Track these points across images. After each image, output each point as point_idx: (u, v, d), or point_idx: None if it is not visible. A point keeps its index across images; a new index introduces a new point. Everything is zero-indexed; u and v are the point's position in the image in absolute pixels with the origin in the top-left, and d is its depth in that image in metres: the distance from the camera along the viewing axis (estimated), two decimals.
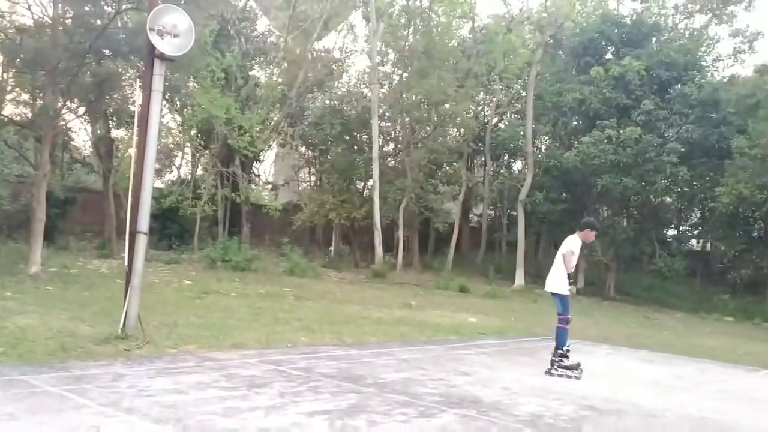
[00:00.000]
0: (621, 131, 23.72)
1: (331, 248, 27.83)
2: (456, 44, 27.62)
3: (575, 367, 7.52)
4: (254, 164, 27.76)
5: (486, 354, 9.02)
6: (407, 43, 26.37)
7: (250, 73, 25.30)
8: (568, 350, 7.60)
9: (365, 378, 6.43)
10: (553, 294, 7.69)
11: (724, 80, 27.11)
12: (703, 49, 28.96)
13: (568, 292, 7.63)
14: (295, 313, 11.33)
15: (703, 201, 28.56)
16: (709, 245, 32.02)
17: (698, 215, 31.98)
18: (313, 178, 31.51)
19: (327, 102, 28.47)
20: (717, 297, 26.26)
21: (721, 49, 42.73)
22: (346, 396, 5.58)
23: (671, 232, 32.49)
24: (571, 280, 7.64)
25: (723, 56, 30.89)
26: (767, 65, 25.27)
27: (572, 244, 7.71)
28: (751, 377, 9.48)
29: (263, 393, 5.39)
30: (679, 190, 27.47)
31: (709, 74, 28.03)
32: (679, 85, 25.85)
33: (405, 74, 27.21)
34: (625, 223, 28.81)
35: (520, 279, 24.57)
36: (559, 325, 7.57)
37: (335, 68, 28.04)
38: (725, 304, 24.69)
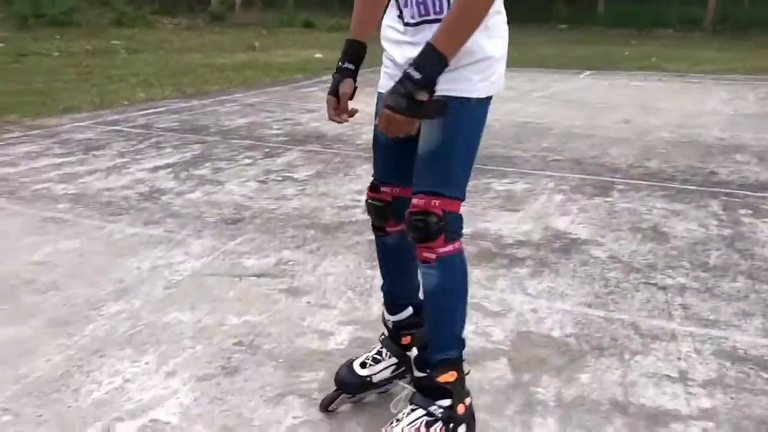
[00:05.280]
0: None
1: None
2: None
3: None
4: None
5: None
6: None
7: None
8: None
9: (209, 128, 6.37)
10: None
11: None
12: None
13: None
14: (130, 68, 10.62)
15: None
16: None
17: None
18: None
19: None
20: (551, 5, 27.25)
21: None
22: (190, 147, 5.56)
23: None
24: None
25: None
26: None
27: None
28: (574, 80, 10.37)
29: (102, 155, 5.23)
30: None
31: None
32: None
33: None
34: None
35: None
36: None
37: None
38: (558, 12, 25.78)
